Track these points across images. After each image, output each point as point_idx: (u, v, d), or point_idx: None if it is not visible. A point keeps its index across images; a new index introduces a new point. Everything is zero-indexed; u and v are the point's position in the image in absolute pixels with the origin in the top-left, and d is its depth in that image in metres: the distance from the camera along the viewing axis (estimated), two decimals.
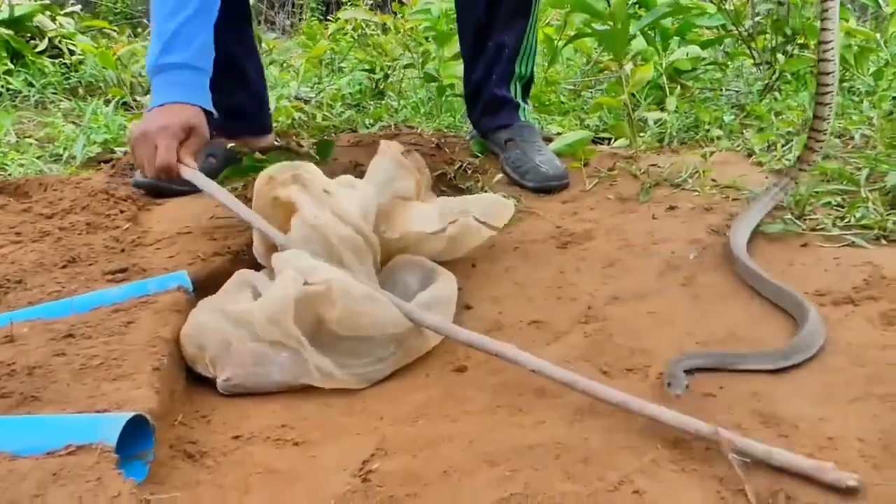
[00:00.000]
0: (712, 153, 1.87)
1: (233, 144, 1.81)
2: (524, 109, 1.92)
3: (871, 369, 0.95)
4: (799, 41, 2.63)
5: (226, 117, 1.81)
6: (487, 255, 1.46)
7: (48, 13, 3.24)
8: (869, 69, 2.61)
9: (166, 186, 1.76)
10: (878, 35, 2.61)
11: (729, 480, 0.78)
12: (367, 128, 2.50)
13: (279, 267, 1.12)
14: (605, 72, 2.91)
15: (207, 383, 1.07)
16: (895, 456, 0.79)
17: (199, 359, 1.05)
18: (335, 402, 1.01)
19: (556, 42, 2.69)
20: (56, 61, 3.21)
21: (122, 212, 1.56)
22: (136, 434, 0.86)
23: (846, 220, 1.38)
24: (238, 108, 1.81)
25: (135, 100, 2.77)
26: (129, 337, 1.05)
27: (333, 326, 1.05)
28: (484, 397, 0.98)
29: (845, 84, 2.55)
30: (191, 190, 1.79)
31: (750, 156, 1.88)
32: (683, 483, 0.78)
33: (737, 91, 2.62)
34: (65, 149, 2.30)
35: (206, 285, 1.28)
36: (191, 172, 1.30)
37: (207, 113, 1.39)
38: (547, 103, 2.63)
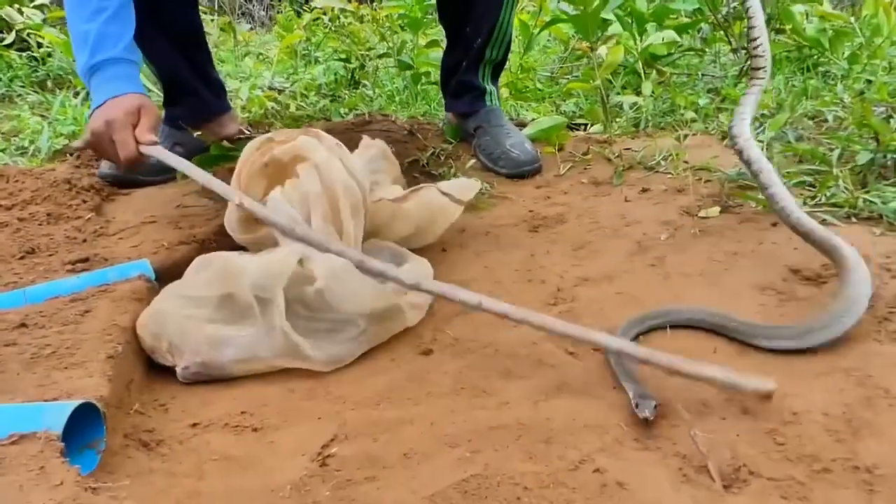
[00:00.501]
0: (686, 136, 1.86)
1: (199, 133, 1.77)
2: (491, 93, 1.91)
3: (837, 344, 0.94)
4: (776, 26, 2.64)
5: (177, 96, 1.78)
6: (458, 239, 1.44)
7: (16, 5, 3.17)
8: (844, 53, 2.61)
9: (132, 178, 1.73)
10: (852, 19, 2.61)
11: (692, 458, 0.77)
12: (342, 117, 2.47)
13: (273, 222, 1.11)
14: (584, 59, 2.89)
15: (169, 372, 1.04)
16: (858, 430, 0.78)
17: (158, 348, 1.03)
18: (298, 387, 0.99)
19: (531, 28, 2.67)
20: (24, 54, 3.15)
21: (84, 202, 1.52)
22: (88, 423, 0.83)
23: (817, 199, 1.38)
24: (188, 86, 1.78)
25: None
26: (83, 326, 1.02)
27: (314, 305, 1.04)
28: (448, 380, 0.97)
29: (820, 69, 2.55)
30: (157, 180, 1.76)
31: (724, 138, 1.87)
32: (646, 461, 0.77)
33: (713, 76, 2.61)
34: (31, 142, 2.26)
35: (170, 274, 1.25)
36: (151, 149, 1.26)
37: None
38: (523, 90, 2.61)
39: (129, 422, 0.90)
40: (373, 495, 0.75)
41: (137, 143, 1.26)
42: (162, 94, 1.84)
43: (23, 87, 3.01)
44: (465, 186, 1.41)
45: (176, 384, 1.02)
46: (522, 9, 2.84)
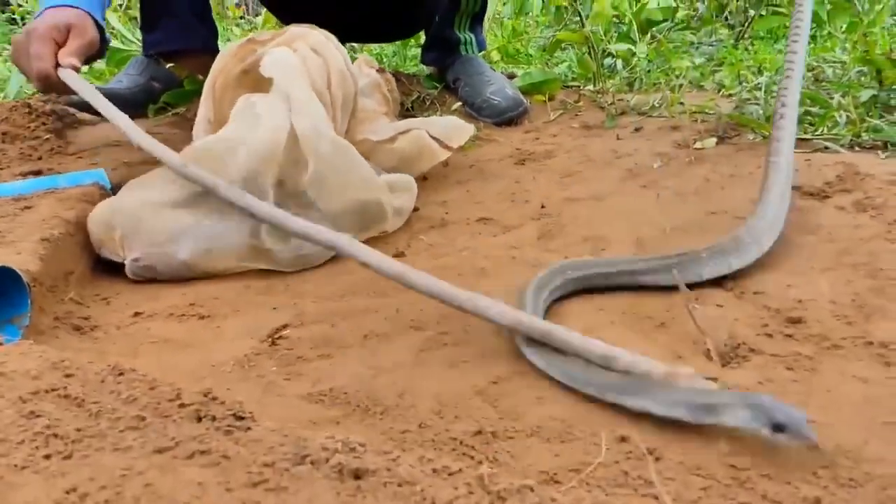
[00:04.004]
0: (681, 86, 1.79)
1: (171, 65, 1.68)
2: (468, 42, 1.83)
3: (842, 244, 0.86)
4: (772, 2, 2.62)
5: (156, 16, 1.66)
6: (441, 170, 1.36)
7: None
8: (842, 27, 2.56)
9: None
10: None
11: (686, 336, 0.69)
12: None
13: (269, 71, 1.00)
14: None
15: (117, 271, 0.95)
16: (870, 315, 0.70)
17: (107, 240, 0.93)
18: (255, 284, 0.90)
19: None
20: (3, 14, 3.09)
21: (44, 124, 1.43)
22: (13, 300, 0.74)
23: (818, 131, 1.31)
24: (170, 6, 1.64)
25: None
26: (22, 218, 0.93)
27: (307, 185, 0.95)
28: None
29: (819, 43, 2.50)
30: (128, 114, 1.67)
31: (720, 90, 1.80)
32: (638, 341, 0.69)
33: (709, 44, 2.56)
34: (0, 89, 2.18)
35: None
36: (65, 73, 1.12)
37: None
38: (514, 54, 2.54)
39: (63, 308, 0.81)
40: (325, 370, 0.67)
41: (58, 64, 1.13)
42: (140, 21, 1.72)
43: (0, 44, 2.94)
44: (457, 130, 1.32)
45: (123, 281, 0.93)
46: None
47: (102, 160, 1.29)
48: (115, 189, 1.15)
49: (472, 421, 0.56)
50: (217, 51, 1.79)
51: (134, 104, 1.67)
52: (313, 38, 1.08)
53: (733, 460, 0.48)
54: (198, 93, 1.68)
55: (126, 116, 1.08)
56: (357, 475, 0.36)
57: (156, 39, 1.67)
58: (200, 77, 1.69)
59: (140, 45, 1.85)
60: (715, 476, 0.46)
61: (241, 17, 3.83)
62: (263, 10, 3.56)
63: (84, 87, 1.12)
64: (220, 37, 1.94)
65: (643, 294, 0.79)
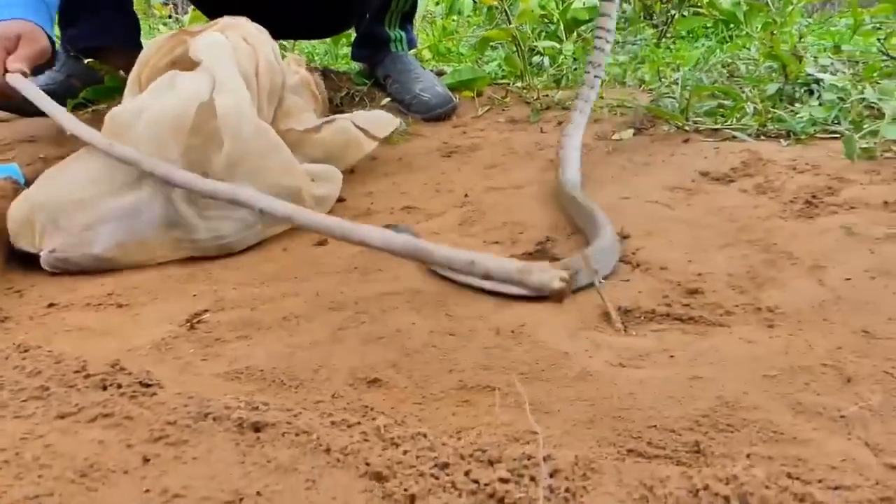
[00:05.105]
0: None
1: (90, 60, 1.64)
2: (398, 40, 1.85)
3: (742, 223, 0.92)
4: (693, 2, 2.73)
5: (75, 11, 1.61)
6: (368, 164, 1.38)
7: None
8: (758, 27, 2.69)
9: (19, 105, 1.58)
10: None
11: (592, 310, 0.73)
12: None
13: (198, 54, 0.99)
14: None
15: (32, 263, 0.93)
16: (762, 284, 0.76)
17: (24, 232, 0.91)
18: (176, 273, 0.90)
19: None
20: None
21: None
22: None
23: (728, 122, 1.38)
24: (93, 5, 1.59)
25: None
26: None
27: (220, 165, 0.94)
28: (341, 262, 0.90)
29: (737, 42, 2.62)
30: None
31: (641, 85, 1.88)
32: (542, 312, 0.72)
33: (633, 43, 2.65)
34: None
35: None
36: (13, 78, 1.10)
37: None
38: (445, 53, 2.58)
39: None
40: (242, 350, 0.67)
41: (6, 70, 1.11)
42: (59, 16, 1.66)
43: None
44: (382, 121, 1.34)
45: (38, 274, 0.91)
46: None
47: (17, 156, 1.26)
48: (28, 184, 1.13)
49: (384, 390, 0.58)
50: (140, 46, 1.76)
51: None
52: (244, 29, 1.09)
53: (624, 414, 0.51)
54: (119, 89, 1.66)
55: (77, 120, 1.06)
56: (257, 428, 0.38)
57: (75, 35, 1.62)
58: (122, 73, 1.65)
59: (59, 41, 1.80)
60: (605, 428, 0.49)
61: (168, 16, 3.75)
62: (191, 9, 3.50)
63: (33, 91, 1.10)
64: (145, 34, 1.90)
65: None
